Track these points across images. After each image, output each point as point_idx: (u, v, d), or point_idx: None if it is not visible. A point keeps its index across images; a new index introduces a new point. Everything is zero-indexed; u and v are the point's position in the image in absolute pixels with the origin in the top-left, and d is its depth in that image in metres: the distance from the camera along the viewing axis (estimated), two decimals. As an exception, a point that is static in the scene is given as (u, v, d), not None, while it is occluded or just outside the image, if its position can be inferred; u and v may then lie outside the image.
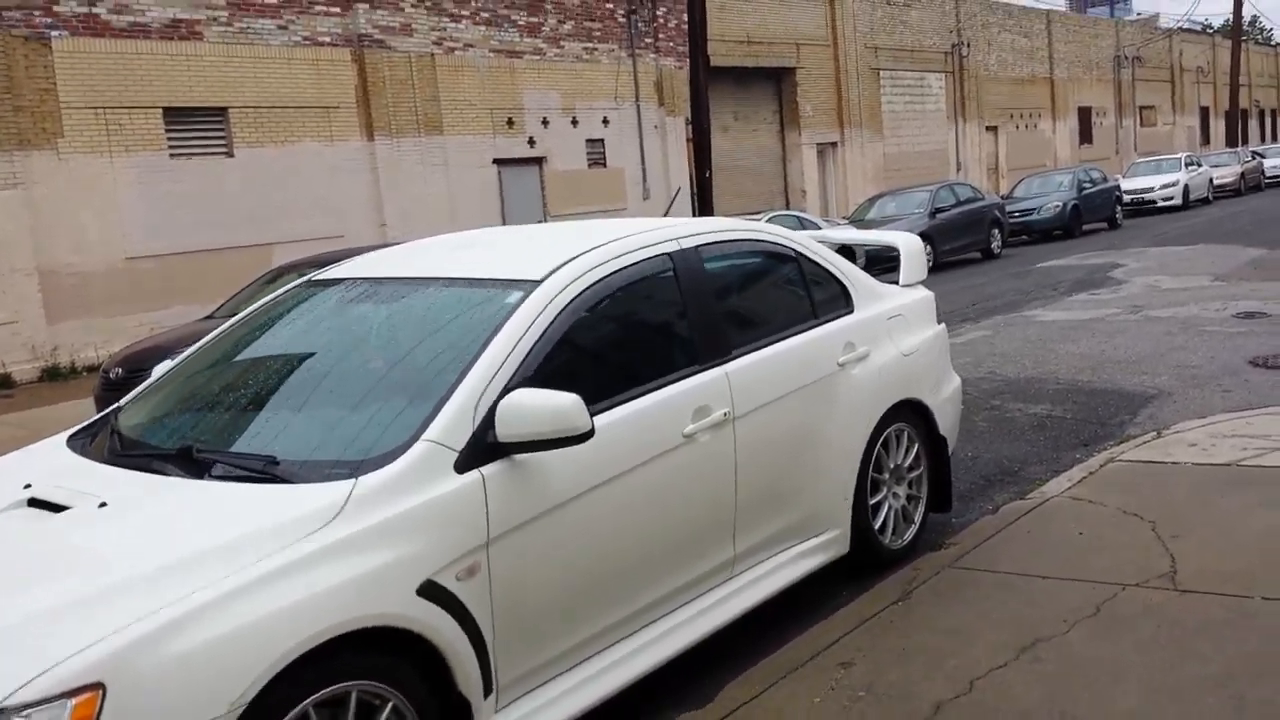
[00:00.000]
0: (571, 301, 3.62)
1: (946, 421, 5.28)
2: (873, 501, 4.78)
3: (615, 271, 3.84)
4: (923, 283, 5.58)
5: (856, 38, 29.41)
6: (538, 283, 3.63)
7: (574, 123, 21.40)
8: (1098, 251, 19.63)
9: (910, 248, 5.54)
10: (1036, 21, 38.69)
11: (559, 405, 3.13)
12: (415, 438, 3.09)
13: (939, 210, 20.44)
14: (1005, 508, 5.50)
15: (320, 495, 2.91)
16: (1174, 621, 3.89)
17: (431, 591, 2.92)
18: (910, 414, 5.05)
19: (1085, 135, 41.57)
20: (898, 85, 31.43)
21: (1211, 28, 55.08)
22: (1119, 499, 5.37)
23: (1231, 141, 43.10)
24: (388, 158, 18.30)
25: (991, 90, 35.60)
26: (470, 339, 3.43)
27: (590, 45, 21.81)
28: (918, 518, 5.10)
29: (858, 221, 21.18)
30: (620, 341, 3.92)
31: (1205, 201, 31.56)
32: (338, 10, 17.71)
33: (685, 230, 4.25)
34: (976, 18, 34.63)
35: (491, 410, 3.18)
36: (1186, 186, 30.37)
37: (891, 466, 4.93)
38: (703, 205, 19.73)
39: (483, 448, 3.16)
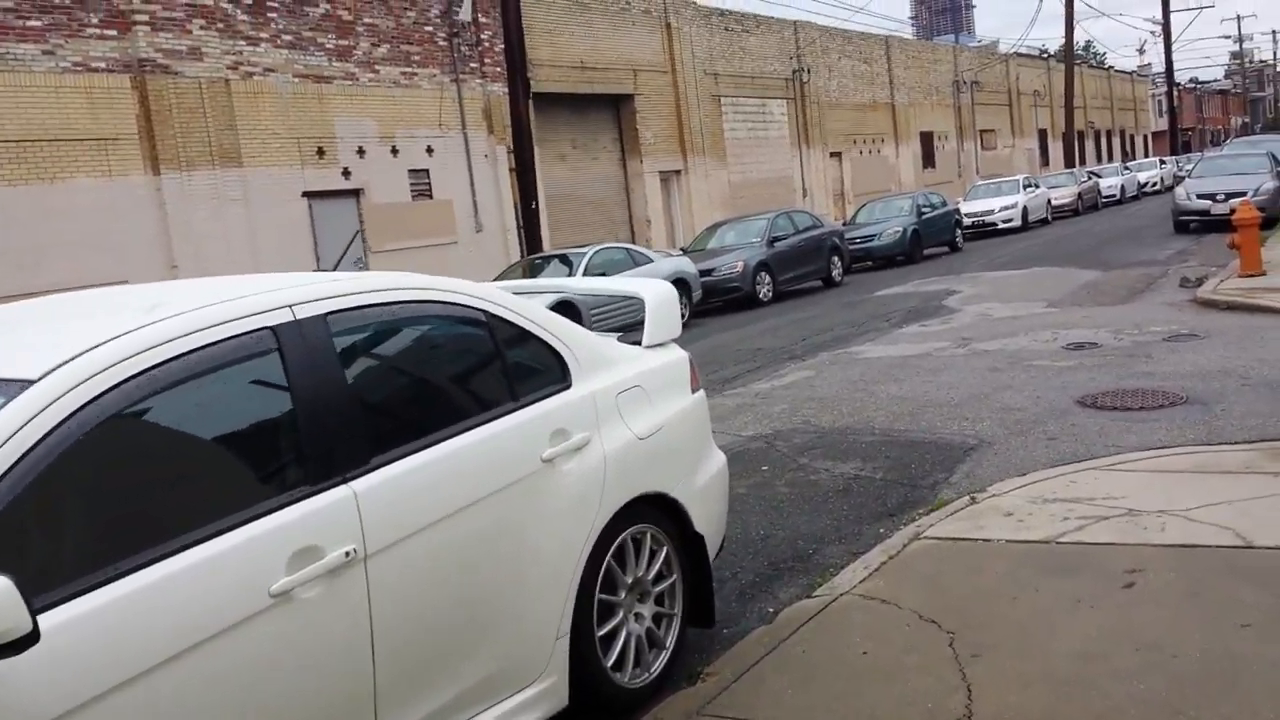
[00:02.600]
0: (82, 409, 2.45)
1: (705, 515, 4.26)
2: (603, 631, 3.71)
3: (170, 359, 2.68)
4: (678, 340, 4.58)
5: (695, 64, 28.88)
6: (31, 383, 2.44)
7: (394, 152, 20.07)
8: (935, 277, 19.30)
9: (658, 299, 4.52)
10: (876, 47, 39.05)
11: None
12: None
13: (777, 239, 19.83)
14: (784, 613, 4.50)
15: None
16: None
17: None
18: (655, 512, 4.01)
19: (928, 159, 42.16)
20: (740, 112, 31.05)
21: (1048, 52, 56.98)
22: (918, 596, 4.44)
23: (1069, 163, 44.35)
24: (177, 193, 16.64)
25: (834, 116, 35.64)
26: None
27: (409, 70, 20.55)
28: (670, 640, 4.05)
29: (696, 251, 20.42)
30: (168, 464, 2.71)
31: (1044, 222, 32.07)
32: (114, 33, 16.04)
33: (310, 293, 3.10)
34: (816, 44, 34.64)
35: None
36: (1025, 208, 30.77)
37: (630, 581, 3.87)
38: (530, 238, 18.66)
39: None
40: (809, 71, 33.77)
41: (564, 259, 16.09)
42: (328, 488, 2.87)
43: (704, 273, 18.38)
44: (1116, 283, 15.07)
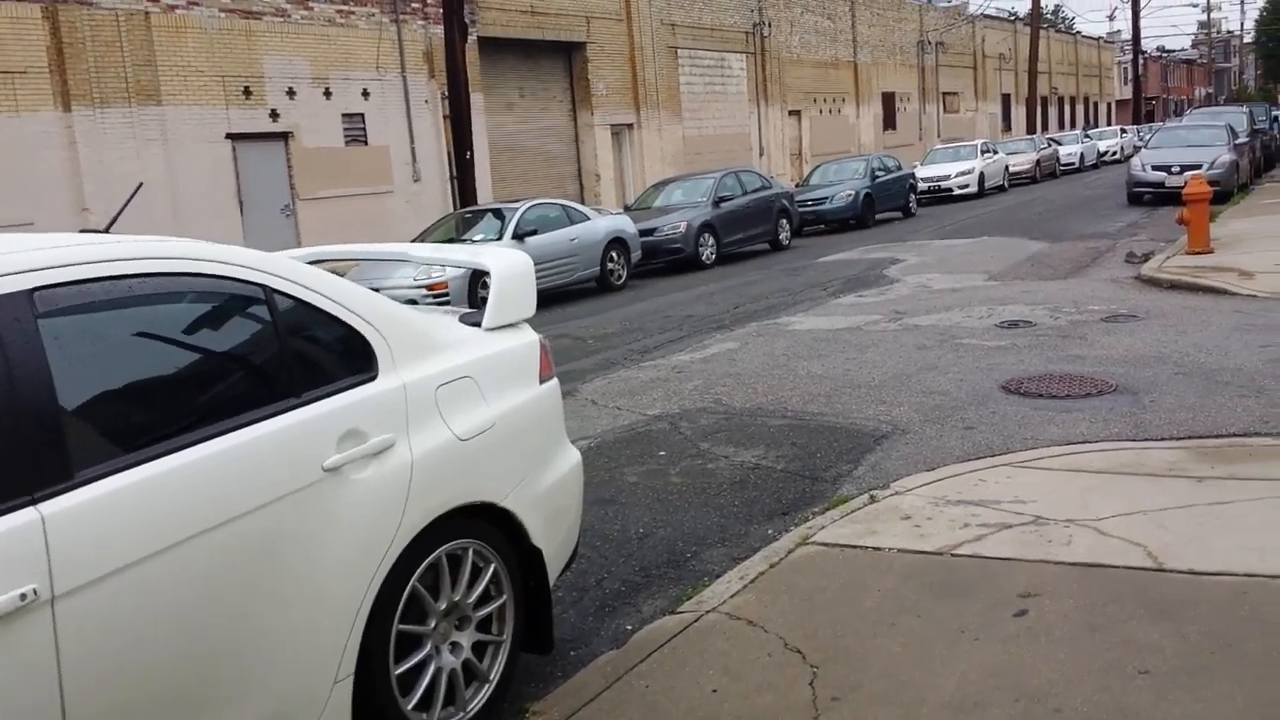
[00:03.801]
0: None
1: (547, 525, 3.73)
2: (403, 668, 3.17)
3: None
4: (531, 320, 4.01)
5: (652, 13, 28.02)
6: None
7: (327, 94, 19.20)
8: (883, 244, 18.82)
9: (505, 272, 3.94)
10: (840, 3, 38.26)
11: None
12: None
13: (723, 199, 19.21)
14: (639, 635, 3.99)
15: None
16: None
17: None
18: (481, 524, 3.47)
19: (889, 121, 41.59)
20: (697, 65, 30.25)
21: (1016, 15, 56.36)
22: (789, 618, 3.95)
23: (1030, 129, 43.96)
24: (90, 131, 15.76)
25: (794, 73, 34.92)
26: None
27: (345, 8, 19.61)
28: (495, 672, 3.52)
29: (641, 210, 19.77)
30: None
31: (1001, 189, 31.68)
32: (21, -43, 15.05)
33: (12, 264, 2.50)
34: (779, -3, 33.85)
35: None
36: (982, 174, 30.36)
37: (443, 607, 3.33)
38: (463, 190, 17.93)
39: None
40: (770, 25, 32.99)
41: (497, 213, 15.41)
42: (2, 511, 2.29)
43: (646, 232, 17.76)
44: (1063, 256, 14.67)
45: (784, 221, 20.78)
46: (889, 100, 41.64)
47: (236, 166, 17.76)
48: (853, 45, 38.73)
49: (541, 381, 3.89)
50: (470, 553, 3.42)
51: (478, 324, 3.78)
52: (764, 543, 4.90)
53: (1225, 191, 19.97)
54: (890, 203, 25.17)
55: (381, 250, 4.72)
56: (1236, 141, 22.77)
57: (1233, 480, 5.15)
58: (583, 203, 24.81)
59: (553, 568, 3.78)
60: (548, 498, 3.76)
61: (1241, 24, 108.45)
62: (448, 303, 13.41)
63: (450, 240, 15.00)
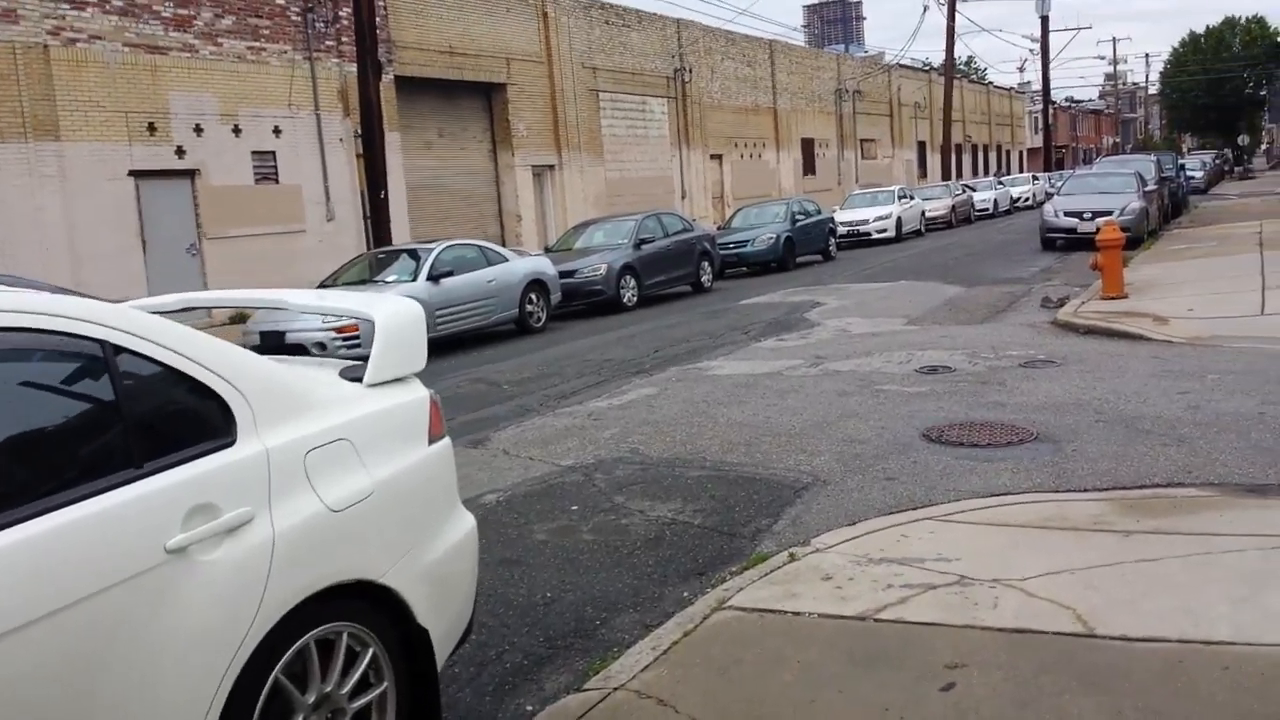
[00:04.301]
0: None
1: (436, 601, 3.37)
2: (257, 773, 2.79)
3: None
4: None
5: (573, 56, 27.96)
6: None
7: (236, 131, 18.65)
8: (804, 287, 18.81)
9: (391, 322, 3.60)
10: (760, 51, 38.73)
11: None
12: None
13: (644, 241, 19.05)
14: (538, 719, 3.65)
15: None
16: None
17: None
18: (358, 603, 3.11)
19: (809, 166, 42.09)
20: (619, 108, 30.25)
21: (931, 66, 57.71)
22: (700, 696, 3.65)
23: (946, 175, 44.84)
24: (-20, 166, 15.02)
25: (716, 118, 35.15)
26: None
27: (257, 45, 19.13)
28: (373, 768, 3.15)
29: (561, 251, 19.53)
30: None
31: (918, 234, 32.14)
32: (-91, -16, 14.37)
33: None
34: (699, 43, 34.09)
35: None
36: (899, 219, 30.75)
37: (312, 700, 2.95)
38: (377, 230, 17.49)
39: None
40: (691, 71, 33.19)
41: (412, 254, 15.01)
42: None
43: (566, 274, 17.50)
44: (979, 300, 14.75)
45: (706, 264, 20.69)
46: (809, 146, 42.17)
47: (140, 204, 17.10)
48: (773, 92, 39.18)
49: (431, 441, 3.56)
50: (344, 637, 3.06)
51: (360, 379, 3.44)
52: (679, 607, 4.60)
53: (1136, 237, 20.40)
54: (811, 246, 25.32)
55: (257, 298, 4.35)
56: (1146, 189, 23.36)
57: (1158, 535, 5.00)
58: (504, 243, 24.51)
59: (442, 648, 3.43)
60: (436, 570, 3.41)
61: (1146, 76, 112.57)
62: (358, 346, 12.94)
63: (363, 281, 14.56)
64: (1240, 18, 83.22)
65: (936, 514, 5.63)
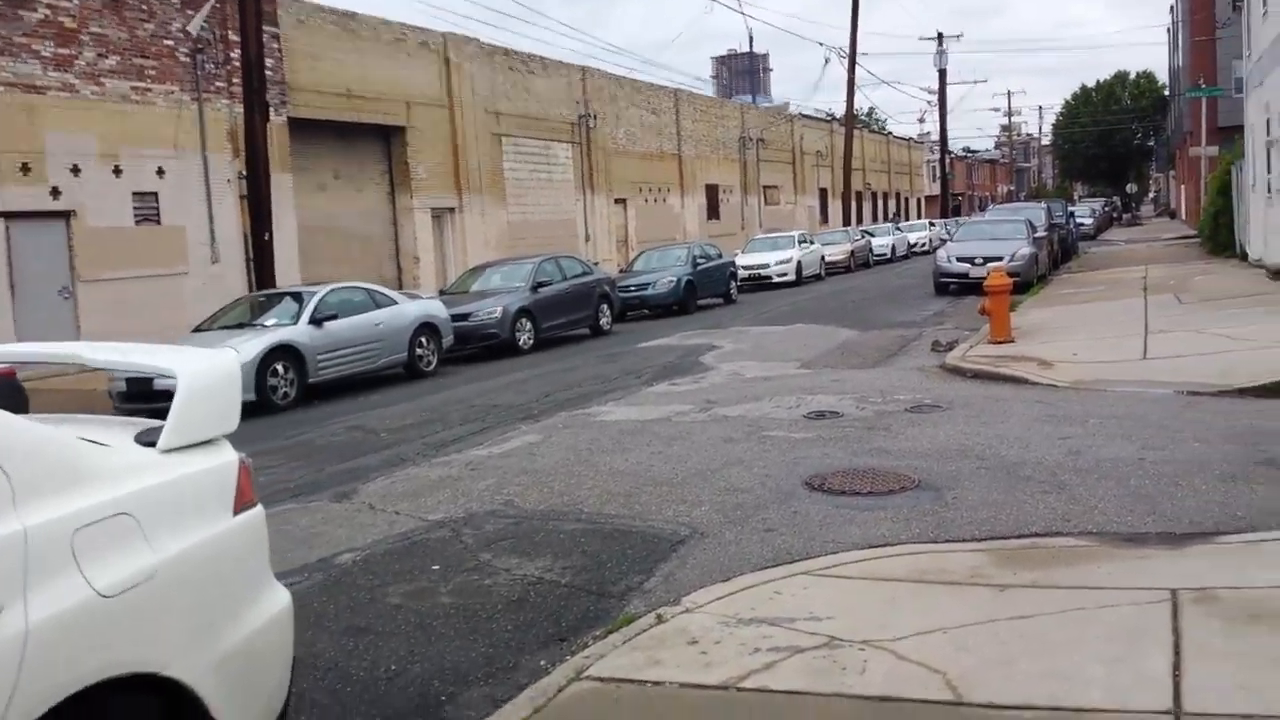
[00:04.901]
0: None
1: (238, 693, 3.01)
2: None
3: None
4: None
5: (476, 101, 27.70)
6: None
7: (117, 172, 17.90)
8: (702, 330, 18.73)
9: (197, 380, 3.25)
10: (665, 99, 39.01)
11: None
12: None
13: (542, 284, 18.81)
14: (359, 813, 3.30)
15: None
16: None
17: None
18: (136, 699, 2.73)
19: (713, 211, 42.40)
20: (522, 152, 30.04)
21: (833, 116, 58.90)
22: (542, 782, 3.33)
23: (846, 221, 45.61)
24: None
25: (620, 163, 35.20)
26: None
27: (142, 85, 18.44)
28: None
29: (458, 294, 19.15)
30: None
31: (818, 278, 32.48)
32: None
33: None
34: (604, 90, 34.16)
35: None
36: (800, 263, 31.05)
37: (73, 811, 2.56)
38: (260, 273, 16.90)
39: None
40: (596, 118, 33.20)
41: (296, 296, 14.49)
42: None
43: (461, 317, 17.15)
44: (872, 344, 14.80)
45: (605, 307, 20.51)
46: (712, 191, 42.51)
47: (9, 246, 16.24)
48: (677, 139, 39.45)
49: (238, 511, 3.20)
50: (119, 737, 2.68)
51: (154, 443, 3.09)
52: (533, 678, 4.28)
53: (1025, 282, 20.84)
54: (712, 289, 25.35)
55: (49, 352, 3.91)
56: (1036, 235, 23.96)
57: (1035, 589, 4.86)
58: (401, 286, 24.01)
59: (245, 742, 3.06)
60: (239, 657, 3.05)
61: (1040, 127, 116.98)
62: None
63: (241, 325, 13.97)
64: (1130, 73, 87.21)
65: (813, 568, 5.42)
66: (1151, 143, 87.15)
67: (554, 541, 6.18)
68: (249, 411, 12.31)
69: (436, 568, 5.82)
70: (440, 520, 6.78)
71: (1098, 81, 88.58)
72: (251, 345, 12.71)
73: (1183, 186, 55.67)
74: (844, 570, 5.33)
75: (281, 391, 12.96)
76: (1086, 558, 5.32)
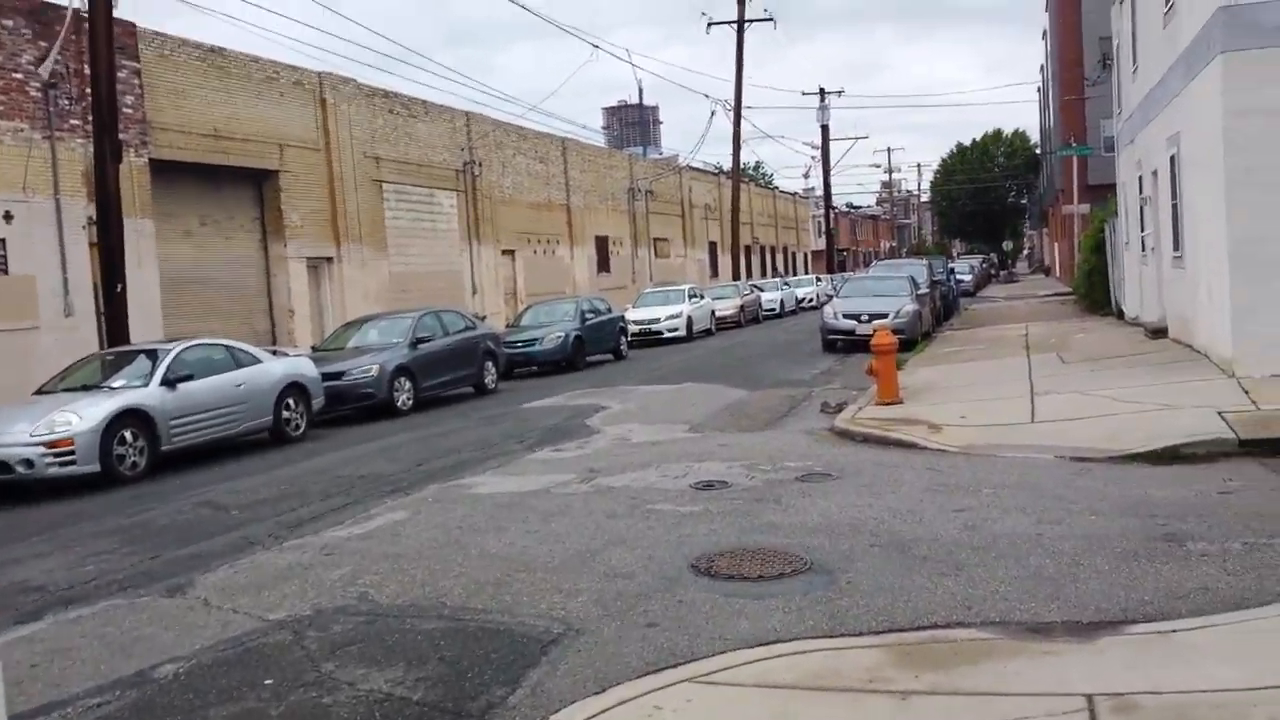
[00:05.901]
0: None
1: None
2: None
3: None
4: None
5: (354, 145, 26.87)
6: None
7: (-43, 217, 16.60)
8: (590, 389, 18.18)
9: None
10: (553, 148, 38.69)
11: None
12: None
13: (421, 340, 18.03)
14: None
15: None
16: None
17: None
18: None
19: (603, 263, 42.09)
20: (404, 200, 29.24)
21: (721, 168, 59.50)
22: None
23: (736, 275, 45.81)
24: None
25: (507, 213, 34.64)
26: None
27: (-13, 123, 17.22)
28: None
29: (332, 350, 18.24)
30: None
31: (708, 333, 32.33)
32: None
33: None
34: (490, 137, 33.64)
35: None
36: (690, 318, 30.86)
37: None
38: (113, 328, 15.76)
39: None
40: (481, 165, 32.63)
41: (150, 354, 13.43)
42: None
43: (335, 375, 16.26)
44: (761, 404, 14.45)
45: (490, 364, 19.82)
46: (602, 243, 42.24)
47: None
48: (566, 189, 39.12)
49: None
50: None
51: None
52: (365, 831, 3.60)
53: (911, 340, 20.91)
54: (601, 345, 24.88)
55: None
56: (919, 292, 24.17)
57: (939, 696, 4.40)
58: (275, 341, 22.90)
59: None
60: None
61: (919, 184, 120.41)
62: (73, 463, 11.31)
63: (87, 387, 12.86)
64: (1004, 131, 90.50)
65: (699, 672, 4.88)
66: (1025, 200, 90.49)
67: (410, 645, 5.49)
68: (91, 485, 11.43)
69: (269, 682, 5.06)
70: (282, 620, 6.02)
71: (973, 140, 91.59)
72: (96, 410, 11.69)
73: (1056, 243, 57.76)
74: (732, 675, 4.80)
75: (130, 461, 11.92)
76: (991, 654, 4.90)
